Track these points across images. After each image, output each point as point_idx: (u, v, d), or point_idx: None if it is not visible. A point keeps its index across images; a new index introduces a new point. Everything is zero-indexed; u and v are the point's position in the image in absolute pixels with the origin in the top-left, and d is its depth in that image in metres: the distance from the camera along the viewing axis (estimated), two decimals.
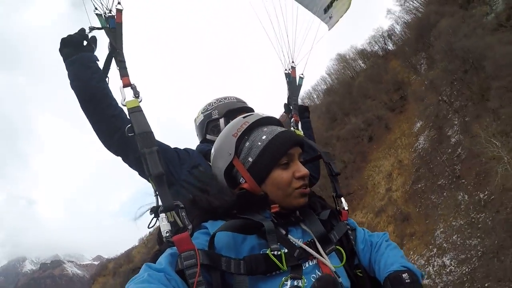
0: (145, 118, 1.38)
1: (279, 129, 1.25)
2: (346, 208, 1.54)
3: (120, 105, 1.51)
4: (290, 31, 2.29)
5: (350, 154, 41.31)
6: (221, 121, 2.01)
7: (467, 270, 20.86)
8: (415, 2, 53.34)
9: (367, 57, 56.45)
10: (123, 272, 76.55)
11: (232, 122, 1.32)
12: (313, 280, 1.05)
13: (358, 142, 42.84)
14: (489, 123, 25.04)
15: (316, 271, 1.10)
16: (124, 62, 1.53)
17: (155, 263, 0.97)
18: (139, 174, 1.64)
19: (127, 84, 1.48)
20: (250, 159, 1.20)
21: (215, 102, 2.09)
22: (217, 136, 1.38)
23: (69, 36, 1.57)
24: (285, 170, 1.18)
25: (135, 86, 1.48)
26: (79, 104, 1.56)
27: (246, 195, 1.16)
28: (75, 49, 1.55)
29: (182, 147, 1.82)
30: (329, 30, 2.81)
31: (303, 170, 1.20)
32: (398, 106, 42.03)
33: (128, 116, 1.44)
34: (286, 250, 1.07)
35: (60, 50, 1.57)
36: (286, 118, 2.31)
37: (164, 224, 1.15)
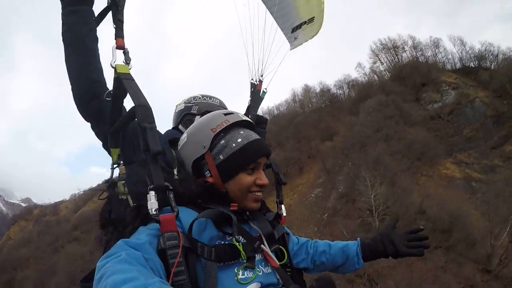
0: (140, 89, 1.21)
1: (254, 135, 1.31)
2: (284, 214, 1.67)
3: (110, 66, 1.30)
4: (267, 43, 2.40)
5: None
6: (197, 118, 2.02)
7: None
8: (381, 66, 57.18)
9: (328, 98, 59.86)
10: (45, 221, 75.30)
11: (212, 115, 1.34)
12: (264, 270, 1.20)
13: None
14: None
15: (264, 263, 1.23)
16: (123, 22, 1.37)
17: (128, 238, 1.00)
18: (103, 146, 1.56)
19: (121, 46, 1.32)
20: (222, 157, 1.25)
21: (199, 97, 2.12)
22: None
23: None
24: (249, 175, 1.26)
25: (128, 51, 1.33)
26: (64, 56, 1.47)
27: (212, 188, 1.25)
28: None
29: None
30: (290, 49, 2.87)
31: (265, 180, 1.28)
32: (316, 155, 44.81)
33: (113, 83, 1.31)
34: (244, 241, 1.18)
35: None
36: None
37: (152, 202, 1.08)
